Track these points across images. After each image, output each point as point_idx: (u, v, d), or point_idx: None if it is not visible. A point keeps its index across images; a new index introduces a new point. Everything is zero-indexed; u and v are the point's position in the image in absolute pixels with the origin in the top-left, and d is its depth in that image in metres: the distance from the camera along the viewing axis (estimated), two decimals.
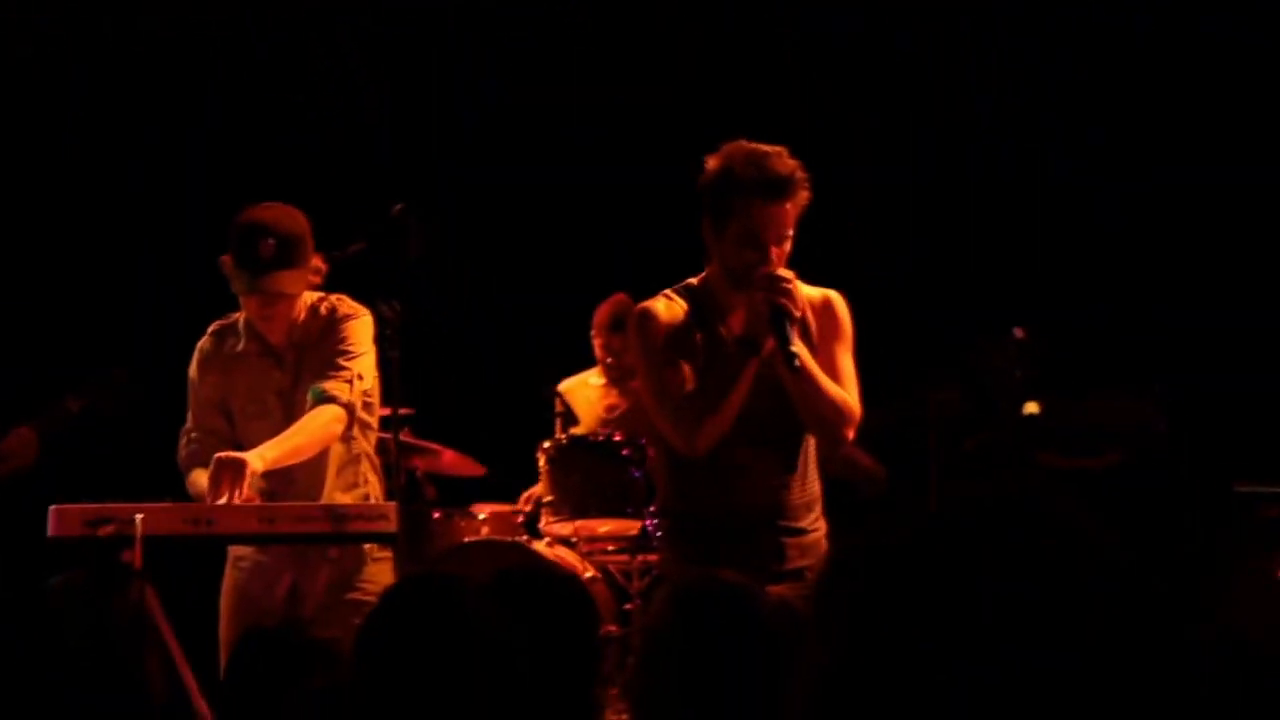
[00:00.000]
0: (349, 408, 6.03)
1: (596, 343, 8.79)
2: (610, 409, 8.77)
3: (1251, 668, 2.59)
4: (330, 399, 6.01)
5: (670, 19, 10.34)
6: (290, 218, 6.03)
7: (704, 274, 5.45)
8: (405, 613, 3.26)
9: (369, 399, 6.20)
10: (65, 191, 9.97)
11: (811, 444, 5.47)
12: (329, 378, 6.05)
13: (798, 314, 5.21)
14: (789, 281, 5.20)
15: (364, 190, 8.08)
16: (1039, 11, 9.94)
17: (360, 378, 6.10)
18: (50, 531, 5.61)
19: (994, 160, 9.78)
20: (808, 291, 5.34)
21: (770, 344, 5.22)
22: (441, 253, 7.34)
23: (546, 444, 8.06)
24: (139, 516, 5.57)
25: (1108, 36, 9.81)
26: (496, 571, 3.80)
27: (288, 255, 5.94)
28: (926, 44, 10.10)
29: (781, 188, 5.19)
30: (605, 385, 8.90)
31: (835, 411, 5.31)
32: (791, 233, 5.24)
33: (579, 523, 7.82)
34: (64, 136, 10.01)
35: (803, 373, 5.19)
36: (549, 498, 7.92)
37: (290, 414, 6.07)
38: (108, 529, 5.60)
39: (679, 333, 5.37)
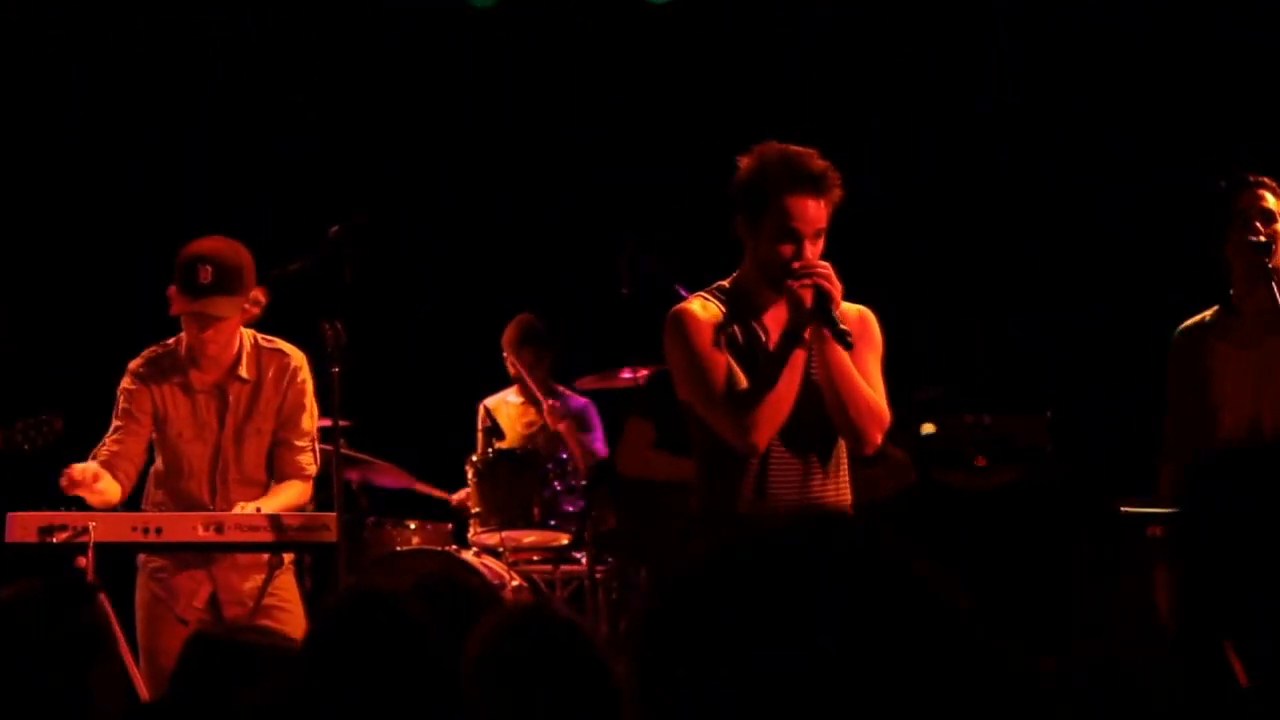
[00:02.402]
0: (313, 478, 6.82)
1: (508, 360, 9.35)
2: (529, 425, 9.37)
3: (1118, 688, 3.01)
4: (306, 476, 6.79)
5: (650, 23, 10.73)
6: (230, 248, 6.61)
7: (735, 276, 5.61)
8: (355, 623, 3.47)
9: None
10: (65, 191, 10.42)
11: (844, 447, 5.62)
12: (297, 448, 6.79)
13: (839, 296, 5.39)
14: (827, 267, 5.39)
15: (305, 207, 8.49)
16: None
17: (315, 439, 6.85)
18: (6, 538, 6.26)
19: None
20: (843, 306, 5.49)
21: (809, 334, 5.44)
22: (380, 270, 7.77)
23: (474, 457, 8.63)
24: (92, 524, 6.26)
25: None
26: (416, 580, 4.16)
27: (224, 282, 6.51)
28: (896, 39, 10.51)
29: (815, 182, 5.39)
30: (524, 403, 9.46)
31: (869, 412, 5.50)
32: (825, 229, 5.43)
33: (505, 533, 8.36)
34: (64, 137, 10.45)
35: (843, 366, 5.43)
36: (476, 509, 8.48)
37: (235, 446, 6.73)
38: (62, 535, 6.27)
39: (717, 333, 5.50)
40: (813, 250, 5.43)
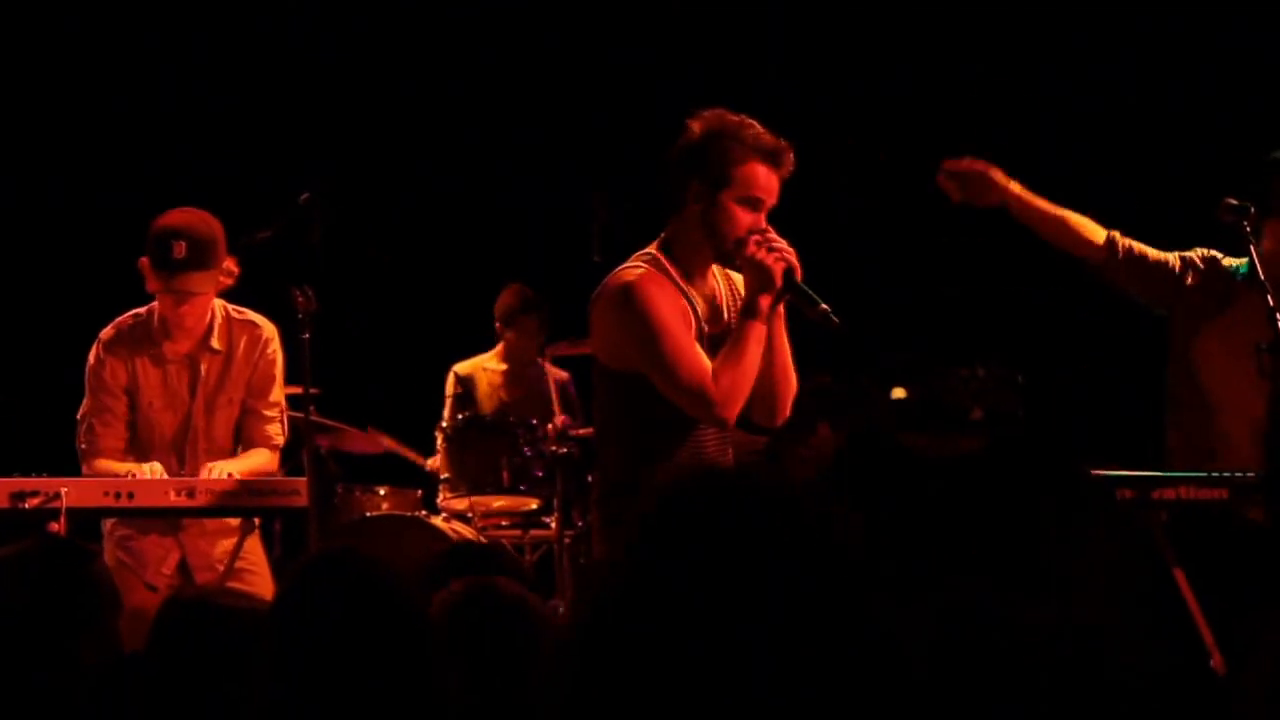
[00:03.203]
0: (280, 449, 6.86)
1: (502, 331, 9.47)
2: (511, 390, 9.43)
3: (1088, 649, 3.03)
4: (274, 446, 6.83)
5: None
6: (203, 222, 6.61)
7: (660, 241, 5.54)
8: (324, 586, 3.43)
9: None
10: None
11: None
12: (265, 417, 6.84)
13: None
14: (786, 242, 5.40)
15: (278, 172, 8.52)
16: None
17: (284, 410, 6.88)
18: None
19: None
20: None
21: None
22: (348, 237, 7.80)
23: (444, 423, 8.69)
24: (64, 490, 6.26)
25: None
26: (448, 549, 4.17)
27: (199, 257, 6.53)
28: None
29: (778, 154, 5.39)
30: (507, 370, 9.53)
31: (791, 386, 5.59)
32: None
33: (474, 499, 8.41)
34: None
35: (783, 341, 5.49)
36: (446, 474, 8.53)
37: (206, 416, 6.78)
38: (34, 501, 6.26)
39: (672, 303, 5.42)
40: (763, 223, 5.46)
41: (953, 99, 10.19)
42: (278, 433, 6.89)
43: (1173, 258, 6.69)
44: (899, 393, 7.21)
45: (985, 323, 9.40)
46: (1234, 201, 6.45)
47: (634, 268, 5.49)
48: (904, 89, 10.22)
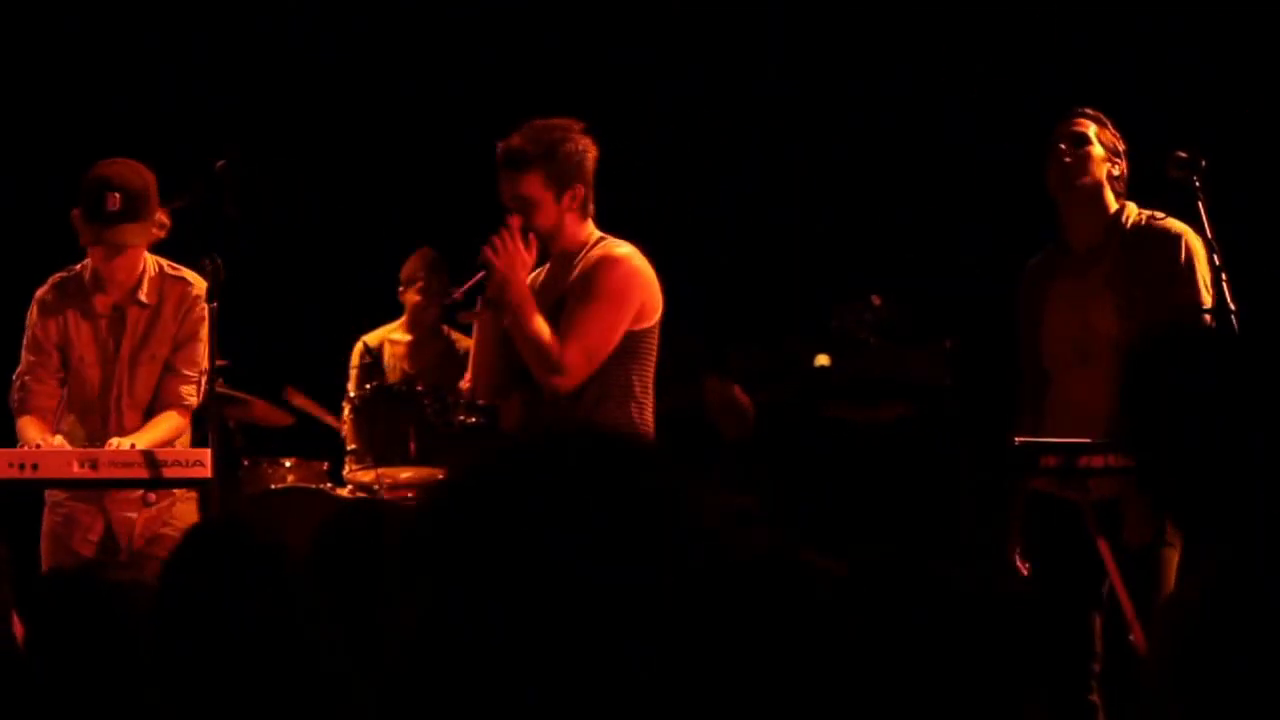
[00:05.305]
0: (192, 411, 6.86)
1: (410, 294, 9.36)
2: (417, 362, 9.30)
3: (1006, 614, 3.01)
4: (185, 407, 6.84)
5: None
6: (135, 172, 6.69)
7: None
8: (204, 555, 3.59)
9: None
10: None
11: None
12: (183, 376, 6.85)
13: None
14: None
15: (191, 139, 8.44)
16: None
17: (204, 373, 6.82)
18: None
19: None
20: None
21: None
22: (261, 206, 7.75)
23: (352, 394, 8.58)
24: None
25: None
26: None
27: (132, 209, 6.61)
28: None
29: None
30: (411, 340, 9.39)
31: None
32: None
33: (381, 470, 8.32)
34: None
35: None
36: (353, 446, 8.41)
37: (129, 371, 6.83)
38: None
39: None
40: None
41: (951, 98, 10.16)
42: (192, 394, 6.86)
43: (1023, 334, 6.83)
44: (823, 360, 7.18)
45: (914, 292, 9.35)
46: (1183, 155, 6.42)
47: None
48: (904, 89, 10.15)
